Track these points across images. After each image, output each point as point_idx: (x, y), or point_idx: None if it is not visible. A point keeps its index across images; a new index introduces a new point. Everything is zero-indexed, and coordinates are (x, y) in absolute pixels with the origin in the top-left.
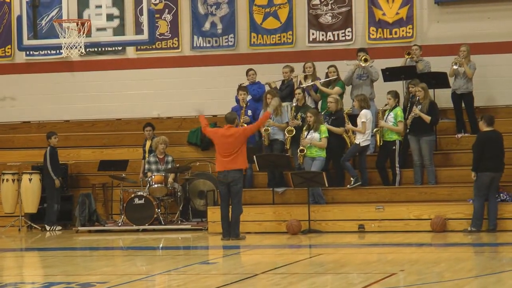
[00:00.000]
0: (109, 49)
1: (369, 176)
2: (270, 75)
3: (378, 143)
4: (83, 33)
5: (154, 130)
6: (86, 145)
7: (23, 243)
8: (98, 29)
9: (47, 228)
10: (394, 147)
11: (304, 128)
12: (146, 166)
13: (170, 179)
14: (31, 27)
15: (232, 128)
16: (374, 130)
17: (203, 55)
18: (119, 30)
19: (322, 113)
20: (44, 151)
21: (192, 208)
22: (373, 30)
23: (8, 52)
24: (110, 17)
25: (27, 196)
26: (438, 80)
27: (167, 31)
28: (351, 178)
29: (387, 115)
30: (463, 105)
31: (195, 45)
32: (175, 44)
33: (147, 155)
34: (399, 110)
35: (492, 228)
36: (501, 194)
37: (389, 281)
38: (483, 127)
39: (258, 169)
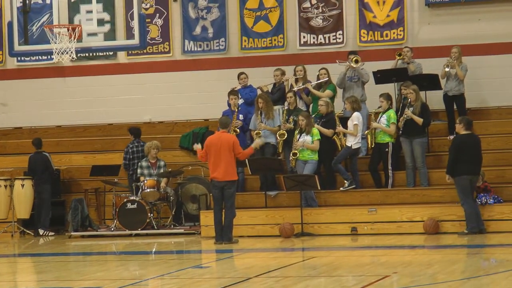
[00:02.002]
0: (100, 54)
1: (361, 178)
2: (262, 78)
3: (369, 145)
4: (74, 38)
5: (133, 136)
6: (78, 150)
7: (16, 249)
8: (89, 34)
9: (41, 232)
10: (387, 149)
11: (296, 131)
12: (139, 170)
13: (162, 184)
14: (22, 33)
15: (225, 133)
16: (365, 132)
17: (194, 59)
18: (110, 35)
19: (313, 116)
20: (45, 158)
21: (185, 212)
22: (364, 33)
23: None
24: (101, 22)
25: (20, 201)
26: (430, 82)
27: (158, 36)
28: (345, 181)
29: (380, 117)
30: (455, 106)
31: (186, 49)
32: (166, 48)
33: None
34: (392, 112)
35: (482, 229)
36: (483, 197)
37: (382, 284)
38: (461, 130)
39: (250, 172)
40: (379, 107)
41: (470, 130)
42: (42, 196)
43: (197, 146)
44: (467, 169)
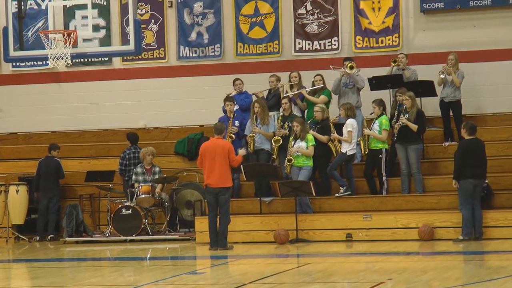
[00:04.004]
0: (95, 59)
1: (356, 184)
2: (257, 84)
3: (362, 152)
4: (69, 44)
5: (130, 142)
6: (73, 156)
7: (11, 255)
8: (84, 40)
9: (49, 237)
10: (380, 156)
11: (291, 137)
12: (133, 177)
13: (157, 189)
14: (17, 38)
15: (220, 139)
16: (358, 138)
17: (190, 65)
18: (105, 40)
19: (308, 122)
20: (58, 164)
21: (180, 218)
22: (359, 39)
23: None
24: (96, 28)
25: (15, 207)
26: (425, 88)
27: (153, 42)
28: (340, 188)
29: (373, 124)
30: (451, 113)
31: (181, 55)
32: (162, 54)
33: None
34: (384, 119)
35: (478, 236)
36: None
37: None
38: (465, 135)
39: (245, 178)
40: (371, 113)
41: (474, 135)
42: (53, 201)
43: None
44: (472, 173)
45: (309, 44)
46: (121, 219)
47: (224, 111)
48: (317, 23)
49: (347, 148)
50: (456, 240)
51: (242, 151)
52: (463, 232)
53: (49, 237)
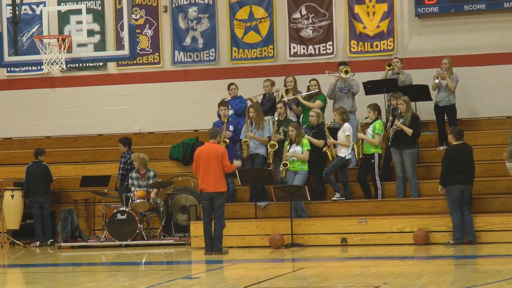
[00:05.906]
0: (90, 64)
1: (351, 189)
2: (252, 89)
3: (356, 156)
4: (64, 49)
5: (128, 147)
6: (68, 161)
7: (6, 260)
8: (79, 45)
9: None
10: (372, 160)
11: (286, 142)
12: (129, 181)
13: (152, 194)
14: (11, 44)
15: (214, 144)
16: (352, 142)
17: (184, 70)
18: (100, 45)
19: (304, 126)
20: (46, 168)
21: (175, 223)
22: (354, 44)
23: None
24: (91, 33)
25: (10, 212)
26: (420, 92)
27: (148, 46)
28: (335, 193)
29: (367, 128)
30: (446, 117)
31: (176, 60)
32: (156, 59)
33: None
34: (378, 123)
35: (471, 240)
36: None
37: None
38: (452, 140)
39: (240, 183)
40: (366, 118)
41: (462, 140)
42: (45, 206)
43: (236, 162)
44: (459, 179)
45: (304, 49)
46: (116, 224)
47: (219, 115)
48: (311, 28)
49: (345, 152)
50: (447, 244)
51: (237, 163)
52: (454, 236)
53: (49, 242)
